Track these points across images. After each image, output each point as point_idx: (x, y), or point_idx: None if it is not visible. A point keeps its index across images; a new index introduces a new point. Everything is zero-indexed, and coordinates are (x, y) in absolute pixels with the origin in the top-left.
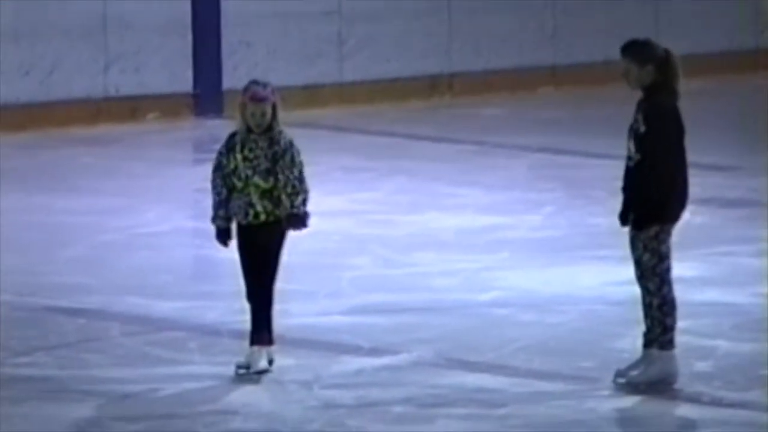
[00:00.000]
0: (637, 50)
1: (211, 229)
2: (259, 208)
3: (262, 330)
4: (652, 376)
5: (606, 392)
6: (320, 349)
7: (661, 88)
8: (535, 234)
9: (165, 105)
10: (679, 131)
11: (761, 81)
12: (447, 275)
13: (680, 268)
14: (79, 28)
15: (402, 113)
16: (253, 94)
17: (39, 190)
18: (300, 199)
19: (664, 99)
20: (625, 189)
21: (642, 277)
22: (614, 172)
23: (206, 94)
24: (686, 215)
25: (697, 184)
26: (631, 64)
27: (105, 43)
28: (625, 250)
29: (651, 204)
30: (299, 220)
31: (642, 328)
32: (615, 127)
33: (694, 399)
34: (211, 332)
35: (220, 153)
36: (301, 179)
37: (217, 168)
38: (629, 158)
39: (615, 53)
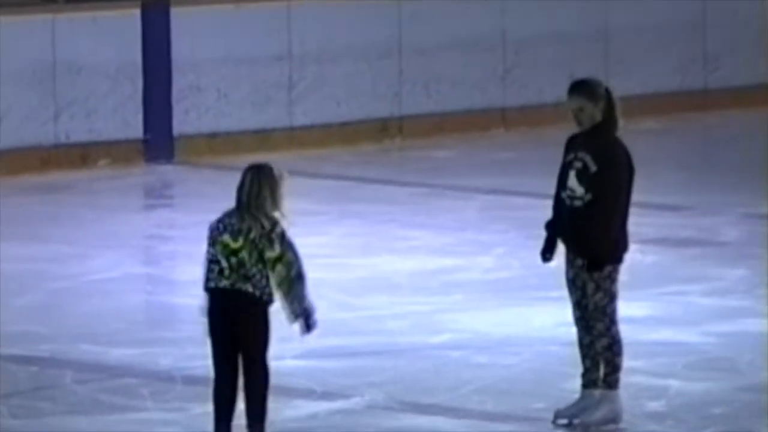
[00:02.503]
0: (588, 88)
1: (164, 275)
2: None
3: None
4: (605, 416)
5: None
6: (273, 393)
7: (608, 125)
8: (487, 276)
9: (116, 151)
10: (630, 170)
11: (711, 120)
12: (400, 318)
13: (632, 308)
14: (28, 75)
15: (353, 156)
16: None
17: None
18: None
19: (613, 137)
20: (550, 226)
21: (590, 318)
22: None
23: (157, 140)
24: (637, 255)
25: (648, 223)
26: (585, 103)
27: (54, 89)
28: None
29: (606, 244)
30: None
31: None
32: None
33: None
34: (164, 378)
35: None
36: None
37: None
38: (573, 198)
39: (565, 94)
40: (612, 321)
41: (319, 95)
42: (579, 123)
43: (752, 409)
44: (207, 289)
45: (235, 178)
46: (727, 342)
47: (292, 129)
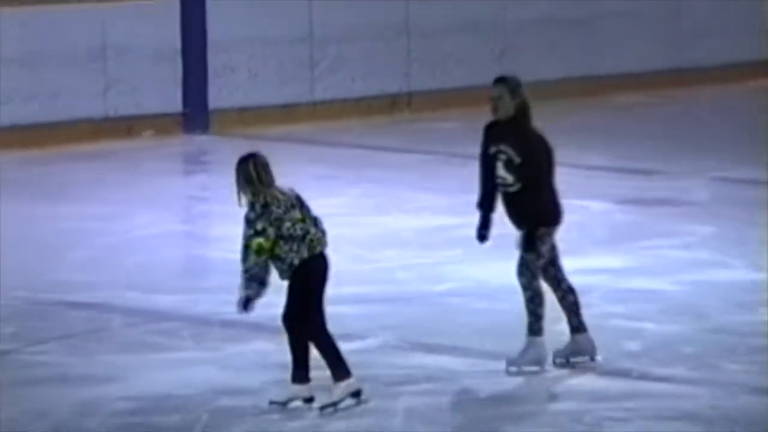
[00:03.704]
0: (511, 83)
1: (200, 232)
2: None
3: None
4: (531, 359)
5: (550, 370)
6: None
7: (523, 119)
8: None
9: (158, 124)
10: (548, 156)
11: (686, 96)
12: (408, 269)
13: (611, 260)
14: (80, 56)
15: (367, 128)
16: None
17: (47, 201)
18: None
19: (529, 128)
20: (481, 206)
21: (516, 271)
22: (558, 177)
23: (194, 114)
24: (617, 214)
25: (626, 186)
26: (505, 93)
27: (104, 68)
28: (565, 244)
29: (538, 222)
30: None
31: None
32: (557, 137)
33: (625, 374)
34: (202, 322)
35: None
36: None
37: None
38: (506, 185)
39: (555, 73)
40: (533, 276)
41: (338, 73)
42: (494, 110)
43: (718, 348)
44: (312, 256)
45: (264, 147)
46: (695, 290)
47: (314, 104)
